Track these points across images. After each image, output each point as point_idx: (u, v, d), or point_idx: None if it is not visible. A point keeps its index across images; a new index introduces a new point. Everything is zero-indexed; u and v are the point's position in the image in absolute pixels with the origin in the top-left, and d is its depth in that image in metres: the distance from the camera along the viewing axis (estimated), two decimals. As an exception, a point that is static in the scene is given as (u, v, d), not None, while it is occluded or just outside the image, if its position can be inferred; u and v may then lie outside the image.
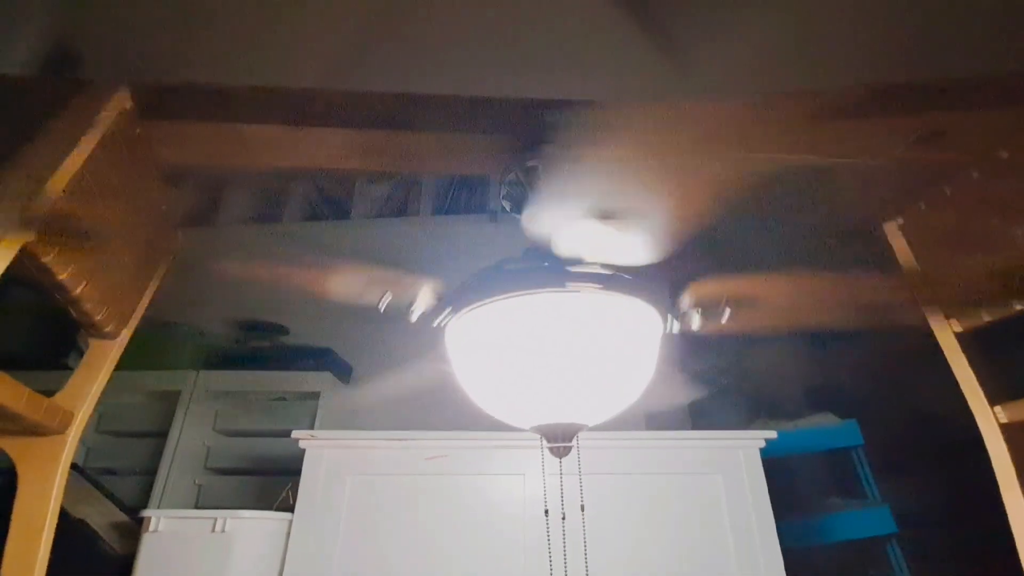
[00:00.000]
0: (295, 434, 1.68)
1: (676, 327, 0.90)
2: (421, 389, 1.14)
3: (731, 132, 0.79)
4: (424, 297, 0.94)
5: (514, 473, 1.62)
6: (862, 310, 1.03)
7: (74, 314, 1.03)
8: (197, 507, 2.09)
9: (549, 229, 0.83)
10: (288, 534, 1.55)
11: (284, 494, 1.71)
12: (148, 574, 1.48)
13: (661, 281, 0.89)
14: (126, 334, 1.17)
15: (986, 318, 1.09)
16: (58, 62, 0.95)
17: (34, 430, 1.02)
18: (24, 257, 0.83)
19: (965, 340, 1.14)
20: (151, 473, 2.17)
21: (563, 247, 0.85)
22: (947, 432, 1.64)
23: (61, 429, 1.05)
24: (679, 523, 1.57)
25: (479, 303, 0.86)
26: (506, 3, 0.91)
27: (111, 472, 2.23)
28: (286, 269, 0.93)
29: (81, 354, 1.17)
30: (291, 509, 1.59)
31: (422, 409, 1.93)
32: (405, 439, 1.68)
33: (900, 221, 1.24)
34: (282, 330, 2.48)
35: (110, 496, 1.88)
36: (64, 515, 1.06)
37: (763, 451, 1.65)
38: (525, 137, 1.04)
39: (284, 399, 2.35)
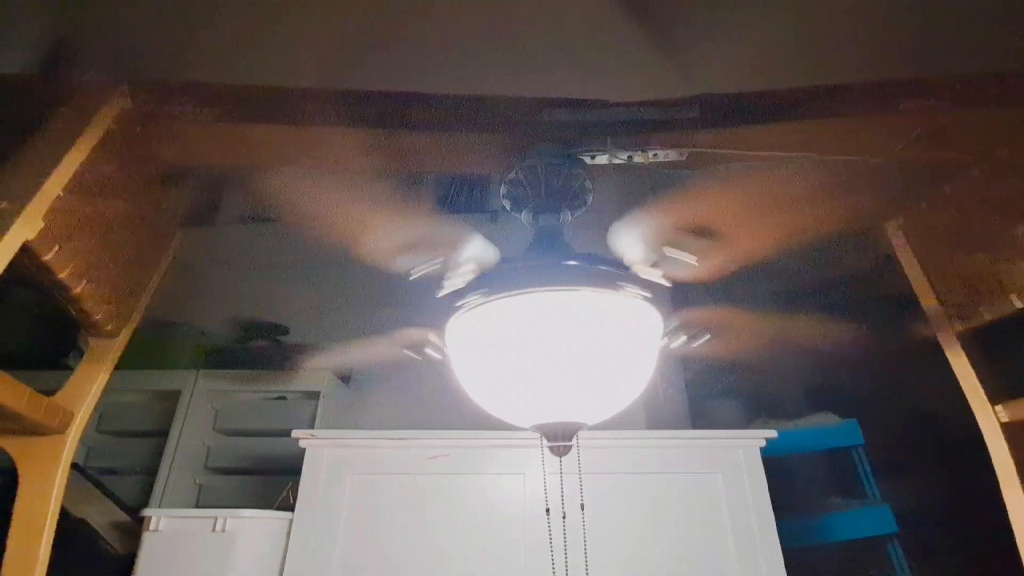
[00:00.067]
0: (295, 433, 1.68)
1: (637, 288, 0.88)
2: (376, 364, 1.14)
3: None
4: (433, 342, 0.95)
5: (514, 472, 1.62)
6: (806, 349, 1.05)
7: (74, 313, 1.03)
8: (198, 507, 2.09)
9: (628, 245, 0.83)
10: (288, 533, 1.55)
11: (284, 493, 1.71)
12: (149, 573, 1.48)
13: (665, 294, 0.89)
14: (126, 333, 1.18)
15: (987, 317, 1.09)
16: (57, 62, 0.95)
17: (34, 429, 1.02)
18: (24, 256, 0.83)
19: (965, 339, 1.14)
20: (151, 473, 2.17)
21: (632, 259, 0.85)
22: (947, 431, 1.65)
23: (61, 428, 1.05)
24: (679, 522, 1.57)
25: (479, 302, 0.86)
26: (506, 3, 0.91)
27: (111, 472, 2.23)
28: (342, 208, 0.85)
29: (81, 354, 1.17)
30: (291, 508, 1.59)
31: (422, 408, 1.93)
32: (405, 438, 1.68)
33: (900, 220, 1.24)
34: (282, 330, 2.48)
35: (111, 495, 1.88)
36: (65, 514, 1.06)
37: (763, 450, 1.65)
38: (525, 136, 1.04)
39: (284, 398, 2.34)
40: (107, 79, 0.96)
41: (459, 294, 0.89)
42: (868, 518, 2.07)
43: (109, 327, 1.11)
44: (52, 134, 0.89)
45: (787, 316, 0.98)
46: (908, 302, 1.24)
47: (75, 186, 0.88)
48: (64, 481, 1.05)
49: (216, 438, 2.26)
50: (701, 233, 0.81)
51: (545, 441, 0.88)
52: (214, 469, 2.20)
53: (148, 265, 1.21)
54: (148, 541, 1.52)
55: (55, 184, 0.84)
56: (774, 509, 1.57)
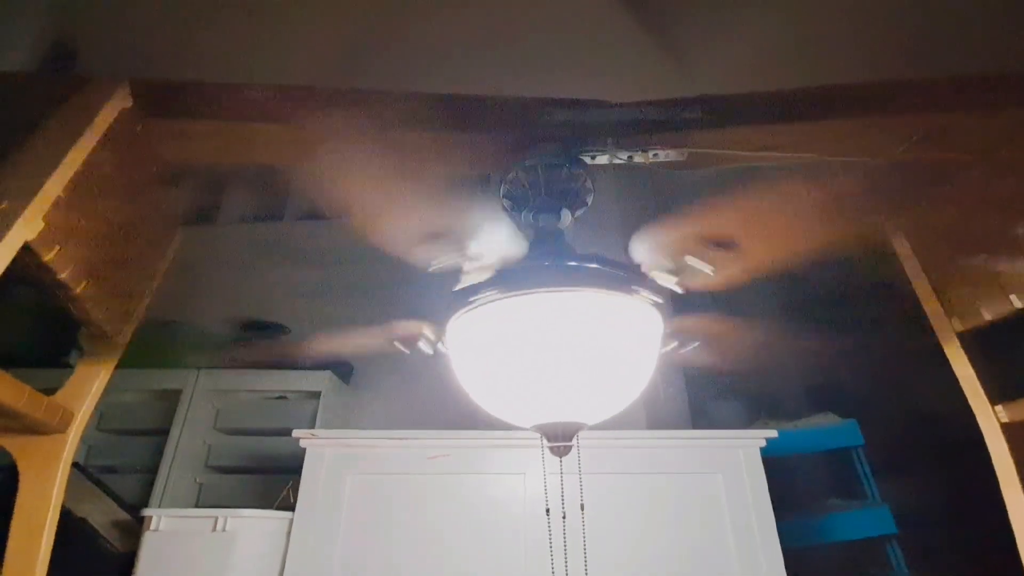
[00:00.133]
0: (296, 433, 1.68)
1: (651, 294, 0.90)
2: (366, 354, 1.14)
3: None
4: (427, 336, 0.95)
5: (515, 472, 1.62)
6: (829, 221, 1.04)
7: (75, 312, 1.03)
8: (198, 506, 2.09)
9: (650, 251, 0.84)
10: (289, 533, 1.55)
11: (285, 493, 1.71)
12: (149, 572, 1.48)
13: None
14: (127, 332, 1.18)
15: (987, 317, 1.09)
16: (58, 59, 0.95)
17: (35, 428, 1.02)
18: (25, 256, 0.83)
19: (966, 339, 1.14)
20: (152, 471, 2.17)
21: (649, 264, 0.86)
22: (947, 432, 1.64)
23: (62, 427, 1.05)
24: (679, 522, 1.57)
25: (480, 302, 0.86)
26: (506, 3, 0.91)
27: (112, 470, 2.24)
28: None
29: (82, 352, 1.17)
30: (292, 508, 1.59)
31: (422, 408, 1.93)
32: (406, 438, 1.68)
33: (901, 220, 1.24)
34: (283, 329, 2.48)
35: (111, 494, 1.88)
36: (65, 513, 1.06)
37: (763, 450, 1.65)
38: (525, 136, 1.04)
39: (285, 398, 2.35)
40: (108, 78, 0.96)
41: (460, 294, 0.89)
42: (868, 518, 2.07)
43: (110, 326, 1.11)
44: (53, 133, 0.88)
45: (777, 326, 0.99)
46: (909, 302, 1.24)
47: (76, 186, 0.88)
48: (65, 480, 1.05)
49: (217, 437, 2.26)
50: (720, 244, 0.82)
51: (545, 441, 0.88)
52: (214, 468, 2.21)
53: (149, 264, 1.21)
54: (148, 540, 1.52)
55: (56, 184, 0.84)
56: (774, 509, 1.57)
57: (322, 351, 1.03)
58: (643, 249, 0.86)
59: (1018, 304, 1.03)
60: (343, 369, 2.46)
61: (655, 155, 1.06)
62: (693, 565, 1.52)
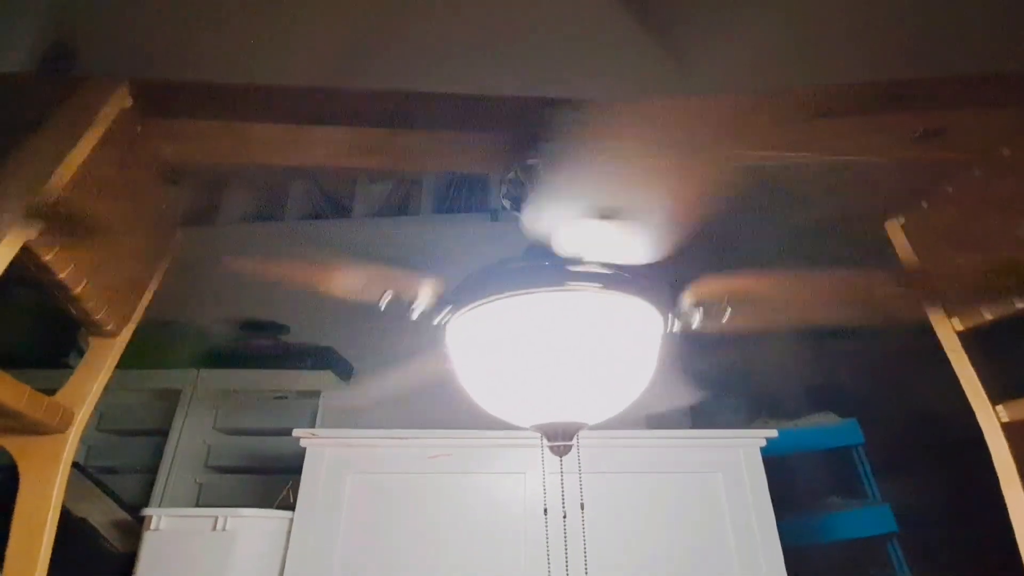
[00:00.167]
0: (296, 432, 1.68)
1: (677, 326, 0.90)
2: (422, 386, 1.14)
3: (727, 130, 0.78)
4: (425, 295, 0.93)
5: (515, 472, 1.62)
6: (862, 305, 1.02)
7: (74, 312, 1.03)
8: (198, 505, 2.09)
9: (549, 228, 0.82)
10: (289, 532, 1.55)
11: (285, 492, 1.71)
12: (149, 572, 1.48)
13: (662, 280, 0.89)
14: (127, 332, 1.17)
15: (988, 316, 1.09)
16: (58, 59, 0.94)
17: (35, 428, 1.02)
18: (25, 255, 0.83)
19: (967, 339, 1.14)
20: (152, 472, 2.17)
21: (563, 246, 0.84)
22: (947, 431, 1.64)
23: (62, 427, 1.05)
24: (680, 522, 1.57)
25: (480, 302, 0.86)
26: (507, 3, 0.91)
27: (112, 471, 2.24)
28: (289, 266, 0.92)
29: (81, 353, 1.17)
30: (292, 507, 1.59)
31: (424, 407, 1.93)
32: (406, 437, 1.68)
33: (902, 219, 1.24)
34: (283, 329, 2.48)
35: (111, 494, 1.88)
36: (65, 513, 1.06)
37: (764, 450, 1.65)
38: (525, 135, 1.04)
39: (285, 397, 2.35)
40: (108, 78, 0.96)
41: (459, 293, 0.89)
42: (868, 517, 2.07)
43: (110, 326, 1.11)
44: (53, 133, 0.88)
45: (815, 269, 0.95)
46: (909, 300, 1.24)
47: (76, 184, 0.88)
48: (65, 480, 1.05)
49: (216, 437, 2.26)
50: (748, 302, 0.86)
51: (545, 441, 0.88)
52: (214, 468, 2.21)
53: (149, 264, 1.21)
54: (149, 540, 1.52)
55: (56, 183, 0.84)
56: (774, 508, 1.57)
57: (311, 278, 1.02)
58: (690, 294, 0.89)
59: (1019, 303, 1.03)
60: (343, 368, 2.46)
61: (655, 154, 1.06)
62: (693, 564, 1.53)
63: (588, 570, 0.94)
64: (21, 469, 1.03)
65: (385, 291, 0.94)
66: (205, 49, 0.96)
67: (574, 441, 0.87)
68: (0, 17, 0.96)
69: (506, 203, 1.09)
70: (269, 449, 2.19)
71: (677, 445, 1.68)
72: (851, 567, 2.12)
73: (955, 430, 1.26)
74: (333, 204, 2.55)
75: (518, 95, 1.00)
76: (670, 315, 0.89)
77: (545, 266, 0.87)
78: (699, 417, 2.22)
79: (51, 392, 1.05)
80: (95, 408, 1.13)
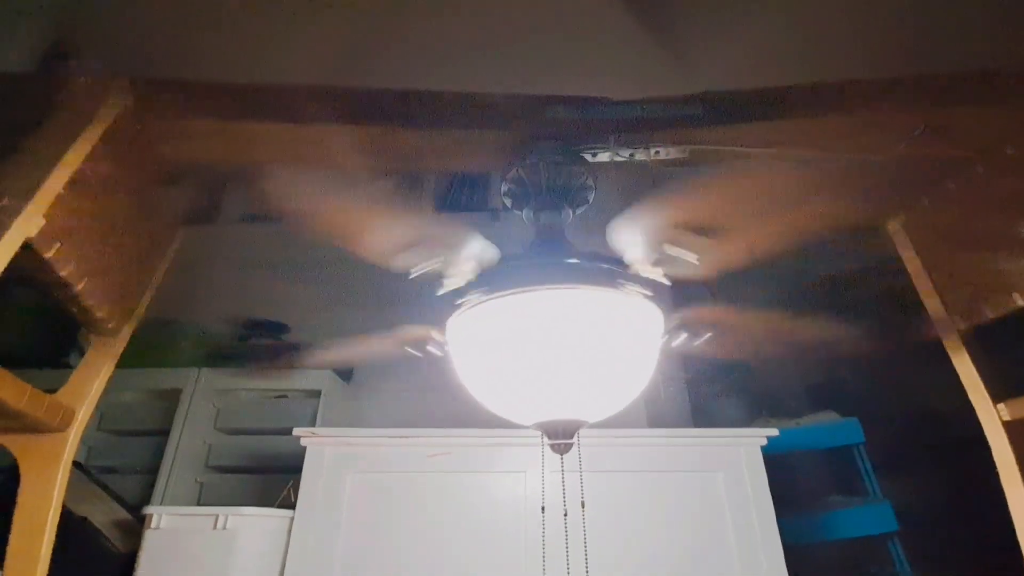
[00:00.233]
0: (296, 431, 1.68)
1: (635, 286, 0.88)
2: (377, 361, 1.14)
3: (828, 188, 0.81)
4: (435, 339, 0.95)
5: (516, 471, 1.62)
6: (808, 348, 1.04)
7: (75, 311, 1.03)
8: (199, 505, 2.09)
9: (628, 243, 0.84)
10: (290, 531, 1.55)
11: (286, 492, 1.71)
12: (150, 571, 1.48)
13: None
14: (127, 332, 1.17)
15: (989, 315, 1.09)
16: (59, 58, 0.94)
17: (36, 427, 1.02)
18: (25, 254, 0.83)
19: (968, 337, 1.14)
20: (152, 471, 2.17)
21: (633, 256, 0.85)
22: (949, 429, 1.65)
23: (63, 427, 1.05)
24: (680, 520, 1.57)
25: (481, 300, 0.86)
26: (508, 1, 0.90)
27: (112, 470, 2.23)
28: (340, 211, 0.86)
29: (82, 352, 1.17)
30: (293, 506, 1.59)
31: (423, 406, 1.93)
32: (406, 436, 1.68)
33: (903, 218, 1.24)
34: (283, 328, 2.48)
35: (112, 494, 1.88)
36: (66, 513, 1.06)
37: (765, 448, 1.65)
38: (526, 133, 1.04)
39: (285, 397, 2.34)
40: (108, 76, 0.96)
41: (461, 292, 0.89)
42: (869, 516, 2.07)
43: (110, 325, 1.11)
44: (53, 131, 0.88)
45: (788, 316, 0.98)
46: (910, 300, 1.24)
47: (76, 183, 0.88)
48: (66, 479, 1.05)
49: (217, 436, 2.26)
50: (701, 230, 0.80)
51: (546, 439, 0.87)
52: (215, 467, 2.21)
53: (149, 263, 1.21)
54: (149, 539, 1.52)
55: (56, 181, 0.84)
56: (775, 507, 1.57)
57: (333, 360, 1.03)
58: (622, 240, 0.84)
59: (1020, 302, 1.03)
60: (343, 368, 2.46)
61: (657, 152, 1.06)
62: (694, 563, 1.52)
63: (589, 569, 0.94)
64: (22, 468, 1.03)
65: (404, 347, 0.95)
66: (206, 48, 0.96)
67: (575, 439, 0.87)
68: (1, 16, 0.95)
69: (507, 202, 1.09)
70: (269, 448, 2.18)
71: (678, 444, 1.68)
72: (852, 566, 2.12)
73: (956, 429, 1.26)
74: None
75: (519, 93, 1.00)
76: (623, 280, 0.87)
77: (546, 264, 0.87)
78: (700, 416, 2.22)
79: (52, 392, 1.05)
80: (96, 408, 1.13)
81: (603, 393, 0.88)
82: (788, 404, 2.35)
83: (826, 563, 2.04)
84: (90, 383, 1.11)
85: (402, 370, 2.35)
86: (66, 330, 2.34)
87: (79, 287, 0.97)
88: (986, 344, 1.14)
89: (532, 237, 1.02)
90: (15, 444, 1.04)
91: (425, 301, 0.97)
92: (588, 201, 1.07)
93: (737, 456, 1.64)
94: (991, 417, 1.09)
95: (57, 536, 1.02)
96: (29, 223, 0.81)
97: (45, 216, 0.83)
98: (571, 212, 1.04)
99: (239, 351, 2.45)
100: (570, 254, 0.90)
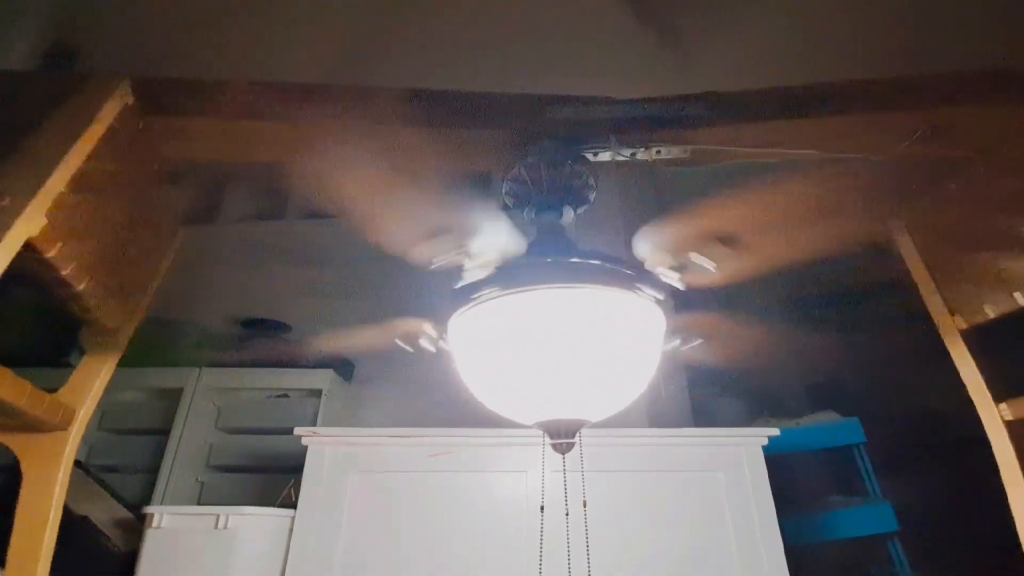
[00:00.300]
0: (297, 431, 1.68)
1: (654, 291, 0.90)
2: (368, 353, 1.14)
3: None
4: (429, 333, 0.95)
5: (516, 470, 1.62)
6: (829, 217, 1.03)
7: (76, 311, 1.03)
8: (199, 504, 2.09)
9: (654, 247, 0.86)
10: (291, 530, 1.55)
11: (286, 491, 1.71)
12: (151, 570, 1.48)
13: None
14: (128, 331, 1.17)
15: (990, 314, 1.09)
16: (60, 57, 0.94)
17: (37, 426, 1.02)
18: (27, 253, 0.83)
19: (969, 337, 1.14)
20: (153, 471, 2.17)
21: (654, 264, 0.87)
22: (950, 429, 1.65)
23: (64, 425, 1.05)
24: (681, 520, 1.57)
25: (482, 299, 0.86)
26: (510, 1, 0.91)
27: (113, 469, 2.23)
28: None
29: (83, 352, 1.17)
30: (293, 506, 1.59)
31: (425, 406, 1.93)
32: (408, 436, 1.68)
33: (904, 217, 1.24)
34: (284, 328, 2.48)
35: (113, 493, 1.88)
36: (67, 512, 1.06)
37: (765, 448, 1.65)
38: (528, 133, 1.03)
39: (286, 396, 2.34)
40: (109, 76, 0.96)
41: (461, 291, 0.89)
42: (869, 516, 2.07)
43: (111, 325, 1.11)
44: (55, 130, 0.88)
45: (777, 327, 0.99)
46: (911, 299, 1.24)
47: (78, 183, 0.88)
48: (67, 478, 1.05)
49: (218, 436, 2.26)
50: (724, 241, 0.83)
51: (547, 438, 0.87)
52: (216, 467, 2.21)
53: (150, 262, 1.21)
54: (150, 538, 1.52)
55: (58, 181, 0.84)
56: (776, 507, 1.57)
57: (325, 350, 1.03)
58: (647, 246, 0.86)
59: (1022, 301, 1.03)
60: (344, 367, 2.46)
61: (658, 152, 1.06)
62: (695, 562, 1.52)
63: (591, 568, 0.94)
64: (23, 467, 1.03)
65: (396, 340, 0.95)
66: (207, 47, 0.96)
67: (576, 438, 0.87)
68: (2, 15, 0.96)
69: (509, 201, 1.08)
70: (270, 448, 2.19)
71: (679, 443, 1.68)
72: (852, 565, 2.12)
73: (957, 429, 1.26)
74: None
75: (521, 92, 1.00)
76: (641, 285, 0.89)
77: (547, 263, 0.87)
78: (701, 415, 2.22)
79: (53, 391, 1.05)
80: (97, 407, 1.13)
81: (604, 392, 0.88)
82: (789, 404, 2.36)
83: (827, 563, 2.04)
84: (91, 382, 1.12)
85: (403, 370, 2.35)
86: (67, 329, 2.34)
87: (80, 286, 0.97)
88: (987, 344, 1.14)
89: (533, 236, 1.02)
90: (16, 443, 1.04)
91: (425, 301, 0.97)
92: (589, 200, 1.07)
93: (738, 456, 1.64)
94: (992, 417, 1.09)
95: (58, 535, 1.02)
96: (31, 223, 0.81)
97: (47, 216, 0.83)
98: (572, 211, 1.04)
99: (241, 349, 2.46)
100: (571, 253, 0.90)
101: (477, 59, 0.97)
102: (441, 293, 0.92)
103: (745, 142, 1.06)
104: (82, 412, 1.09)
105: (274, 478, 1.90)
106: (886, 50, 0.98)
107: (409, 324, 0.98)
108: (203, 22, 0.93)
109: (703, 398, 2.31)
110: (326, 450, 1.66)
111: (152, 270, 1.22)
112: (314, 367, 2.33)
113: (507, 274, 0.86)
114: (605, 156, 1.07)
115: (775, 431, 1.67)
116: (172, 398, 2.31)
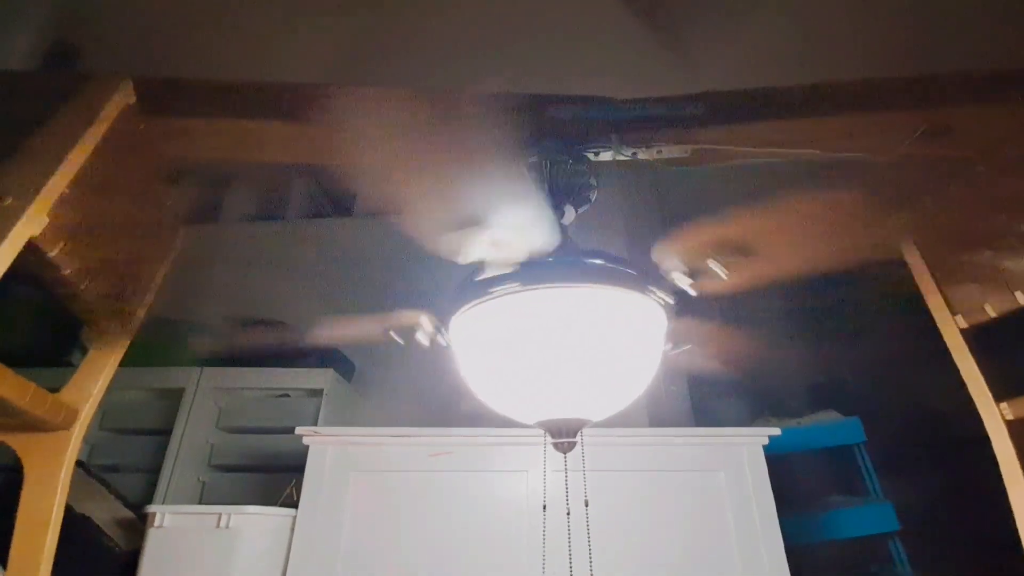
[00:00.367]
0: (299, 430, 1.68)
1: (665, 296, 0.90)
2: (361, 345, 1.16)
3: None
4: (424, 326, 0.96)
5: (518, 470, 1.62)
6: (842, 235, 1.02)
7: (78, 310, 1.03)
8: (201, 504, 2.09)
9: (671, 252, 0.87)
10: (292, 530, 1.56)
11: (288, 490, 1.71)
12: (153, 570, 1.48)
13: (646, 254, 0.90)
14: (130, 330, 1.17)
15: (991, 314, 1.09)
16: (62, 57, 0.95)
17: (39, 426, 1.02)
18: (29, 252, 0.83)
19: (970, 336, 1.14)
20: (154, 470, 2.17)
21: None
22: (951, 429, 1.65)
23: (66, 425, 1.05)
24: (682, 520, 1.57)
25: (483, 299, 0.86)
26: (511, 1, 0.91)
27: (114, 469, 2.23)
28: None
29: (84, 351, 1.17)
30: (295, 505, 1.59)
31: (426, 405, 1.93)
32: (409, 435, 1.68)
33: (905, 217, 1.24)
34: (285, 328, 2.48)
35: (114, 492, 1.88)
36: (69, 511, 1.06)
37: (766, 448, 1.65)
38: (529, 133, 1.04)
39: (287, 396, 2.34)
40: (111, 76, 0.96)
41: (463, 290, 0.89)
42: (870, 515, 2.07)
43: (113, 324, 1.12)
44: (57, 130, 0.88)
45: (772, 333, 1.00)
46: (912, 299, 1.24)
47: (80, 183, 0.88)
48: (69, 478, 1.05)
49: (219, 435, 2.26)
50: (739, 250, 0.85)
51: (549, 437, 0.88)
52: (217, 466, 2.21)
53: (152, 262, 1.21)
54: (152, 538, 1.52)
55: (60, 180, 0.84)
56: (777, 506, 1.57)
57: (319, 339, 1.04)
58: (666, 252, 0.87)
59: (1022, 301, 1.03)
60: (346, 367, 2.46)
61: (659, 152, 1.06)
62: (696, 562, 1.53)
63: (592, 567, 0.94)
64: (25, 467, 1.03)
65: (389, 332, 0.97)
66: (209, 47, 0.96)
67: (577, 438, 0.87)
68: (3, 15, 0.96)
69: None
70: (272, 447, 2.19)
71: (679, 443, 1.68)
72: (853, 565, 2.12)
73: (958, 428, 1.26)
74: (335, 203, 2.55)
75: (521, 92, 1.00)
76: (654, 288, 0.89)
77: (550, 263, 0.87)
78: (701, 415, 2.22)
79: (55, 390, 1.05)
80: (98, 406, 1.13)
81: (606, 392, 0.89)
82: (789, 404, 2.36)
83: (828, 563, 2.04)
84: (93, 382, 1.12)
85: (404, 368, 2.36)
86: (68, 329, 2.34)
87: (82, 286, 0.97)
88: (988, 343, 1.14)
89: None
90: (18, 442, 1.04)
91: (424, 298, 0.97)
92: (590, 200, 1.07)
93: (739, 455, 1.64)
94: (993, 416, 1.09)
95: (60, 534, 1.02)
96: (33, 222, 0.81)
97: (49, 215, 0.83)
98: (573, 211, 1.04)
99: (241, 350, 2.46)
100: (572, 253, 0.90)
101: (477, 59, 0.97)
102: (443, 292, 0.92)
103: (746, 142, 1.06)
104: (84, 412, 1.09)
105: (275, 478, 1.90)
106: (887, 50, 0.98)
107: (405, 316, 0.98)
108: (204, 22, 0.93)
109: (704, 398, 2.31)
110: (327, 450, 1.66)
111: (154, 269, 1.22)
112: (315, 367, 2.33)
113: (508, 274, 0.86)
114: (606, 156, 1.07)
115: (776, 431, 1.67)
116: (173, 398, 2.30)
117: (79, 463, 1.60)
